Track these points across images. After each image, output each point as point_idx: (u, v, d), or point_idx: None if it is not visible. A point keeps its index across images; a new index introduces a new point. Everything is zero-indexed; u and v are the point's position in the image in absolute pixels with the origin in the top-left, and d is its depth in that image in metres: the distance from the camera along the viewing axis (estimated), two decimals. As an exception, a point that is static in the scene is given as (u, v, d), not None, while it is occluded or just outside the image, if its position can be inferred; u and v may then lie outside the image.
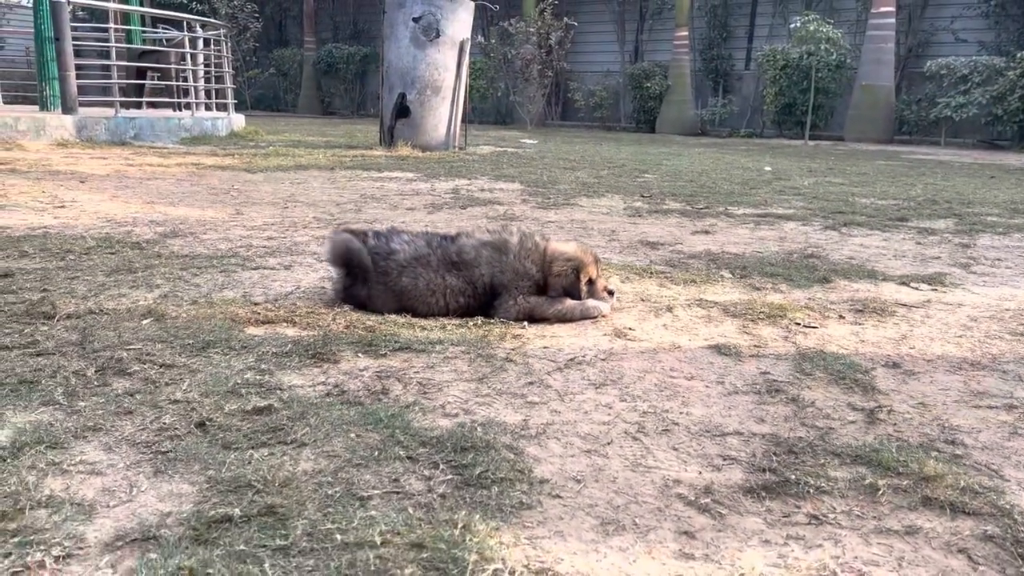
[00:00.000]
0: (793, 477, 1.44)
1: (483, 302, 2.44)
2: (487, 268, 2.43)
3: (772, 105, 15.50)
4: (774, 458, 1.52)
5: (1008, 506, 1.36)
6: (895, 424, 1.71)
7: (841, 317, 2.56)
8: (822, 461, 1.52)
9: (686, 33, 17.10)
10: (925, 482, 1.43)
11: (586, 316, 2.45)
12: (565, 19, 16.99)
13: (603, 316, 2.47)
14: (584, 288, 2.49)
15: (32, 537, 1.17)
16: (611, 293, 2.58)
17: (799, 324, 2.46)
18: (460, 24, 8.88)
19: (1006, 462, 1.54)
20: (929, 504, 1.36)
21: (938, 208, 5.44)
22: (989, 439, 1.65)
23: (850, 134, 14.87)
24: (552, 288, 2.45)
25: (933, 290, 3.00)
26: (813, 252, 3.69)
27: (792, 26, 15.38)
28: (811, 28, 14.53)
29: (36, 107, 9.47)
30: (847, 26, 15.88)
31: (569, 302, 2.45)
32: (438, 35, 8.68)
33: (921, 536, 1.27)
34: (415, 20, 8.62)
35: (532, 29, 16.95)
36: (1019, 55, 12.80)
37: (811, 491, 1.40)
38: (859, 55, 14.95)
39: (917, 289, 3.01)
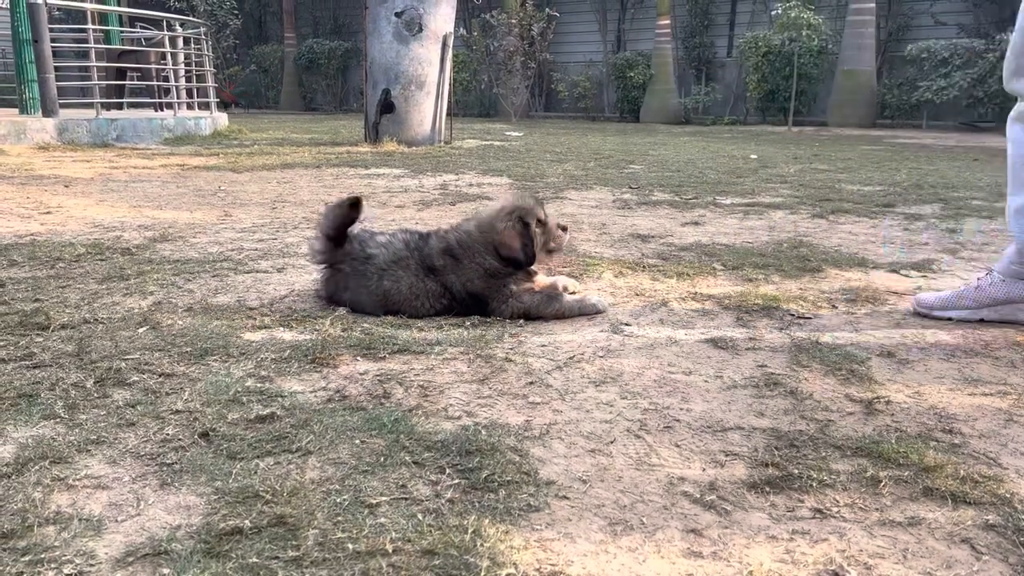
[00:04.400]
0: (796, 471, 1.46)
1: (467, 305, 2.41)
2: (454, 276, 2.39)
3: (755, 92, 15.54)
4: (776, 452, 1.54)
5: (1008, 494, 1.38)
6: (893, 415, 1.73)
7: (834, 306, 2.59)
8: (823, 454, 1.53)
9: (668, 22, 17.10)
10: (925, 472, 1.45)
11: (583, 312, 2.45)
12: (547, 10, 16.96)
13: (600, 312, 2.47)
14: (538, 232, 2.40)
15: (43, 555, 1.17)
16: (564, 229, 2.51)
17: (793, 315, 2.48)
18: (443, 18, 8.84)
19: (1003, 450, 1.57)
20: (930, 495, 1.38)
21: (924, 193, 5.49)
22: (986, 427, 1.67)
23: (833, 119, 14.95)
24: (504, 255, 2.35)
25: (923, 277, 3.03)
26: (803, 241, 3.71)
27: (773, 13, 15.43)
28: (792, 14, 14.57)
29: (16, 110, 9.37)
30: (828, 11, 15.94)
31: (566, 299, 2.45)
32: (421, 29, 8.64)
33: (924, 527, 1.29)
34: (397, 15, 8.58)
35: (514, 20, 16.89)
36: (998, 37, 12.90)
37: (814, 485, 1.41)
38: (840, 40, 15.01)
39: (907, 276, 3.03)
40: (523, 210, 2.40)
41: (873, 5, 14.59)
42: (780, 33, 14.80)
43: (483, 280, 2.38)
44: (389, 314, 2.39)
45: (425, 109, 8.98)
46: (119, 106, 10.77)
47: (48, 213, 4.22)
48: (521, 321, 2.38)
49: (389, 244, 2.44)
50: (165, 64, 10.57)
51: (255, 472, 1.41)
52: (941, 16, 15.40)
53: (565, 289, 2.59)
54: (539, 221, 2.42)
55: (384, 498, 1.33)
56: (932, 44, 13.85)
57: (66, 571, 1.14)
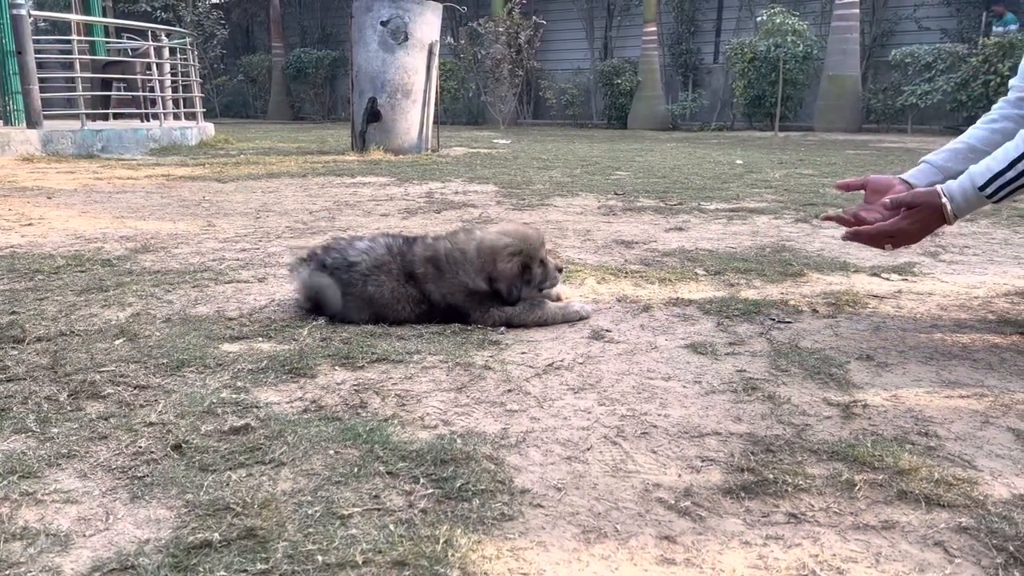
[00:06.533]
0: (771, 476, 1.45)
1: (447, 313, 2.40)
2: (433, 286, 2.39)
3: (742, 98, 15.63)
4: (752, 457, 1.53)
5: (982, 497, 1.38)
6: (870, 418, 1.73)
7: (815, 311, 2.59)
8: (799, 458, 1.53)
9: (654, 29, 17.20)
10: (900, 476, 1.45)
11: (567, 320, 2.45)
12: (534, 18, 17.02)
13: (584, 319, 2.47)
14: (538, 272, 2.42)
15: (7, 572, 1.15)
16: (560, 270, 2.52)
17: (774, 320, 2.49)
18: (428, 26, 8.86)
19: (979, 452, 1.57)
20: (905, 498, 1.38)
21: (907, 197, 5.51)
22: (962, 429, 1.67)
23: (819, 124, 15.04)
24: (495, 288, 2.36)
25: (904, 280, 3.04)
26: (785, 246, 3.72)
27: (759, 19, 15.53)
28: (778, 20, 14.67)
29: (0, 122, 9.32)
30: (812, 17, 16.07)
31: (549, 306, 2.45)
32: (407, 38, 8.65)
33: (898, 530, 1.29)
34: (383, 24, 8.59)
35: (501, 28, 16.95)
36: (980, 41, 13.01)
37: (789, 489, 1.41)
38: (825, 46, 15.12)
39: (888, 280, 3.04)
40: (528, 254, 2.39)
41: (857, 11, 14.71)
42: (766, 39, 14.89)
43: (464, 295, 2.38)
44: (373, 320, 2.38)
45: (412, 117, 8.99)
46: (104, 117, 10.73)
47: (29, 225, 4.19)
48: (502, 328, 2.37)
49: (371, 249, 2.43)
50: (151, 75, 10.55)
51: (226, 484, 1.40)
52: (924, 21, 15.54)
53: (549, 295, 2.58)
54: (541, 262, 2.43)
55: (356, 509, 1.32)
56: (916, 49, 13.98)
57: (31, 587, 1.12)
